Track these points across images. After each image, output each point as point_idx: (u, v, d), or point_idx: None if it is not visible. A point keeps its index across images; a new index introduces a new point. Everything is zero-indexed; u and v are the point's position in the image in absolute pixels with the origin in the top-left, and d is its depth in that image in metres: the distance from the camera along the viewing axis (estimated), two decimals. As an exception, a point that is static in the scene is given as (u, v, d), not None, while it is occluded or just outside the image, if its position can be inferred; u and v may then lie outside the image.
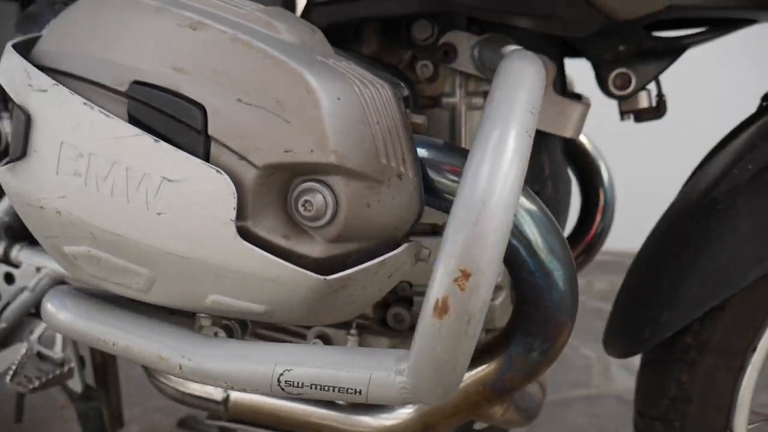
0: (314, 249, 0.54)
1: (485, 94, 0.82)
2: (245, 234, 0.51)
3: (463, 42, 0.78)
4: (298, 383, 0.49)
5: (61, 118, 0.51)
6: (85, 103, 0.50)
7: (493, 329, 0.89)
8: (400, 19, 0.81)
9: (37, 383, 0.87)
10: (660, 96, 0.89)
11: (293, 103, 0.51)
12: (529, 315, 0.67)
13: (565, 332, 0.69)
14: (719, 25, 0.83)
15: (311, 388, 0.49)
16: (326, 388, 0.49)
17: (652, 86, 0.87)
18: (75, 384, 0.98)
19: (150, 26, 0.52)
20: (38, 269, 0.96)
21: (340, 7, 0.75)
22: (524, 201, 0.63)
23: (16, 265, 0.97)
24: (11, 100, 0.54)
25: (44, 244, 0.58)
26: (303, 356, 0.50)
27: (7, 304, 0.99)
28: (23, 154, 0.53)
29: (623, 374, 1.94)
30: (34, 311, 1.01)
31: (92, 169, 0.51)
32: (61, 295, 0.65)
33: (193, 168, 0.50)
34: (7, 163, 0.58)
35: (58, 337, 0.95)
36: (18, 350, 0.96)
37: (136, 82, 0.52)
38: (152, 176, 0.50)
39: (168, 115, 0.51)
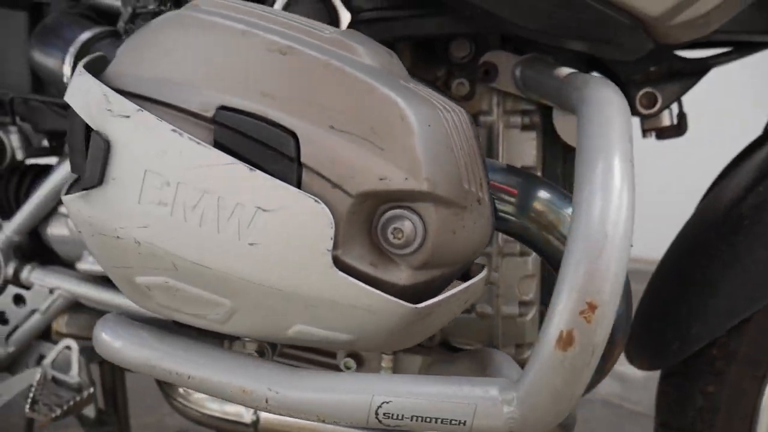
0: (400, 276, 0.53)
1: (523, 113, 0.82)
2: (336, 263, 0.50)
3: (504, 61, 0.79)
4: (398, 415, 0.49)
5: (146, 146, 0.49)
6: (173, 130, 0.48)
7: (522, 344, 0.90)
8: (438, 38, 0.81)
9: (58, 411, 0.83)
10: (681, 114, 0.91)
11: (387, 130, 0.50)
12: (585, 334, 0.68)
13: (619, 350, 0.70)
14: (744, 46, 0.86)
15: (412, 420, 0.48)
16: (428, 420, 0.48)
17: (673, 104, 0.90)
18: (89, 409, 0.94)
19: (237, 50, 0.50)
20: (51, 291, 0.92)
21: (387, 26, 0.74)
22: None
23: (27, 287, 0.93)
24: (83, 123, 0.51)
25: (112, 274, 0.55)
26: (402, 387, 0.49)
27: (16, 327, 0.94)
28: (100, 181, 0.50)
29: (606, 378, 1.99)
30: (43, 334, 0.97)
31: (179, 199, 0.49)
32: (113, 325, 0.62)
33: (289, 197, 0.48)
34: (69, 191, 0.56)
35: (74, 362, 0.91)
36: (29, 376, 0.91)
37: (223, 108, 0.50)
38: (246, 206, 0.48)
39: (258, 142, 0.50)
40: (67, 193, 0.55)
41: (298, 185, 0.50)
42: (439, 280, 0.56)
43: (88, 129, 0.55)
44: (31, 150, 0.96)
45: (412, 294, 0.54)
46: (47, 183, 0.89)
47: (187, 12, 0.53)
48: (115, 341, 0.61)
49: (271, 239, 0.49)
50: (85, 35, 0.77)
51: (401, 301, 0.51)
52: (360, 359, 0.89)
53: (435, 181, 0.51)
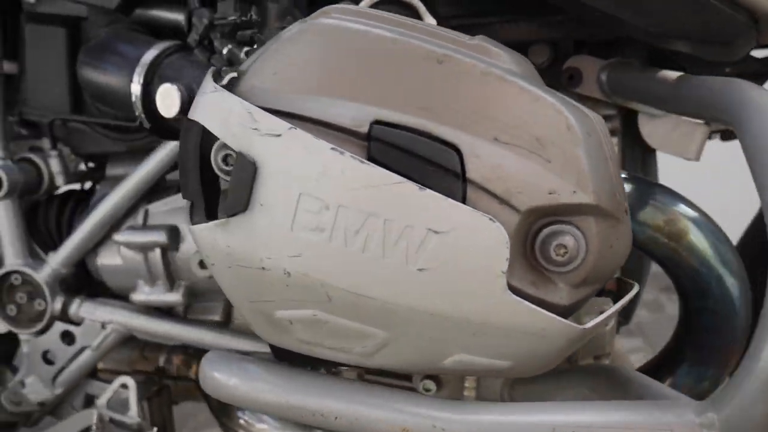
0: (561, 296, 0.50)
1: (605, 119, 0.80)
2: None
3: (588, 66, 0.77)
4: (584, 447, 0.45)
5: (302, 167, 0.44)
6: (333, 149, 0.44)
7: (601, 355, 0.87)
8: (518, 44, 0.78)
9: (126, 457, 0.77)
10: (746, 115, 0.91)
11: (553, 141, 0.47)
12: (706, 345, 0.66)
13: (738, 357, 0.68)
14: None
15: (599, 451, 0.45)
16: (618, 450, 0.45)
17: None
18: (144, 450, 0.88)
19: (389, 60, 0.47)
20: (103, 325, 0.85)
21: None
22: (715, 231, 0.62)
23: (77, 322, 0.86)
24: (222, 143, 0.47)
25: (247, 308, 0.50)
26: (584, 416, 0.46)
27: (64, 367, 0.87)
28: (245, 208, 0.45)
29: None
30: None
31: (340, 223, 0.44)
32: (222, 362, 0.57)
33: (463, 217, 0.44)
34: (192, 220, 0.51)
35: (132, 400, 0.85)
36: (83, 419, 0.84)
37: (377, 122, 0.46)
38: (416, 228, 0.44)
39: (419, 158, 0.46)
40: (193, 221, 0.49)
41: (463, 203, 0.46)
42: (588, 298, 0.53)
43: (203, 151, 0.51)
44: (71, 175, 0.90)
45: (568, 314, 0.51)
46: (98, 210, 0.83)
47: (324, 20, 0.49)
48: (229, 379, 0.56)
49: (442, 263, 0.45)
50: (153, 51, 0.71)
51: (572, 323, 0.48)
52: (439, 381, 0.85)
53: (599, 193, 0.48)
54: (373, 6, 0.69)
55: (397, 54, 0.47)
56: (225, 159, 0.50)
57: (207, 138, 0.51)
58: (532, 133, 0.47)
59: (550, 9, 0.72)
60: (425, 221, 0.44)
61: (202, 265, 0.80)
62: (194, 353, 0.99)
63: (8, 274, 0.85)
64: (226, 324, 0.89)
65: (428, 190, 0.44)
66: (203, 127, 0.52)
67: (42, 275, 0.85)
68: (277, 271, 0.46)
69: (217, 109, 0.46)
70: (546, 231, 0.49)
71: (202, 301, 0.87)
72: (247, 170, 0.45)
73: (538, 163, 0.47)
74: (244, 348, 0.84)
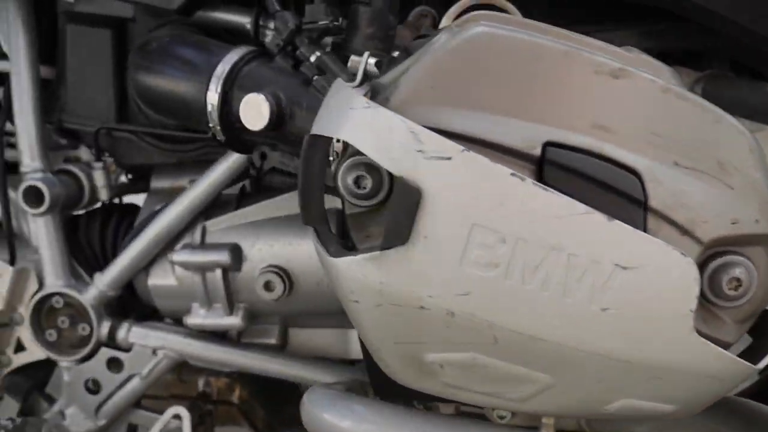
0: (729, 333, 0.46)
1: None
2: (684, 325, 0.42)
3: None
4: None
5: (476, 195, 0.39)
6: (513, 174, 0.39)
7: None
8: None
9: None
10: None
11: (735, 165, 0.43)
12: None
13: None
14: None
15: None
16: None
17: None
18: (196, 485, 0.82)
19: (561, 74, 0.42)
20: (154, 351, 0.79)
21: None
22: None
23: (125, 349, 0.79)
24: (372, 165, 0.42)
25: (389, 349, 0.45)
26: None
27: (109, 395, 0.80)
28: (406, 240, 0.40)
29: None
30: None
31: (518, 258, 0.40)
32: (331, 402, 0.52)
33: (653, 251, 0.40)
34: (328, 250, 0.45)
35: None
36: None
37: (550, 144, 0.42)
38: (602, 264, 0.40)
39: (597, 183, 0.41)
40: (331, 253, 0.44)
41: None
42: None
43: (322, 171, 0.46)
44: (114, 189, 0.83)
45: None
46: (152, 227, 0.76)
47: (481, 29, 0.44)
48: (341, 421, 0.51)
49: (628, 302, 0.40)
50: (232, 57, 0.65)
51: (749, 363, 0.44)
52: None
53: (777, 222, 0.45)
54: (465, 11, 0.65)
55: (568, 67, 0.42)
56: (357, 181, 0.45)
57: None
58: (715, 157, 0.43)
59: (652, 17, 0.69)
60: (613, 256, 0.40)
61: (267, 287, 0.74)
62: (237, 376, 0.93)
63: (49, 296, 0.78)
64: (282, 348, 0.83)
65: (616, 221, 0.40)
66: (331, 144, 0.47)
67: (87, 297, 0.78)
68: (439, 311, 0.41)
69: (371, 128, 0.41)
70: (715, 263, 0.45)
71: (257, 323, 0.81)
72: (410, 198, 0.40)
73: (721, 189, 0.43)
74: (310, 377, 0.79)
